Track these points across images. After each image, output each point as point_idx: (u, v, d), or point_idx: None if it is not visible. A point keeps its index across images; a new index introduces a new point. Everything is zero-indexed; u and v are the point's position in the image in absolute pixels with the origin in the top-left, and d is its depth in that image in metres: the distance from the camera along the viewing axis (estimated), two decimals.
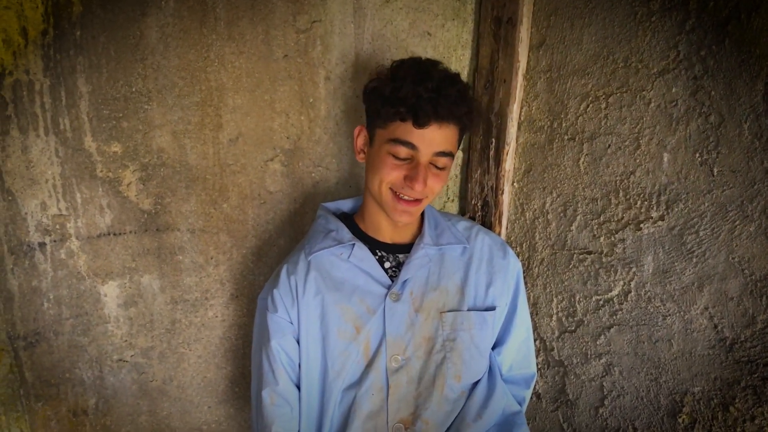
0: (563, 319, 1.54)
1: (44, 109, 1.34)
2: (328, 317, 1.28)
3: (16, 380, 1.49)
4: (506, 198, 1.61)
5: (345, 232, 1.33)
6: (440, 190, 1.27)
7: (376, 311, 1.27)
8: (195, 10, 1.38)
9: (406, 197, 1.22)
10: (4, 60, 1.27)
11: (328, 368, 1.27)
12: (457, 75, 1.22)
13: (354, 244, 1.31)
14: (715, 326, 1.21)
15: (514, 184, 1.61)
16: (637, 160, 1.30)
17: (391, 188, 1.23)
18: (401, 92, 1.16)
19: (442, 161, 1.21)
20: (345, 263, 1.31)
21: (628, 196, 1.33)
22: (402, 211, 1.24)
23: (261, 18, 1.43)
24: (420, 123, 1.15)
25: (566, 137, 1.44)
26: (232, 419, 1.77)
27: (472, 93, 1.63)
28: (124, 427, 1.65)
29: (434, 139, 1.17)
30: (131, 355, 1.59)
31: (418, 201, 1.23)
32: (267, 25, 1.44)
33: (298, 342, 1.30)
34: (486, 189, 1.62)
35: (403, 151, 1.19)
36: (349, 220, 1.42)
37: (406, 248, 1.35)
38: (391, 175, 1.21)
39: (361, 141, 1.31)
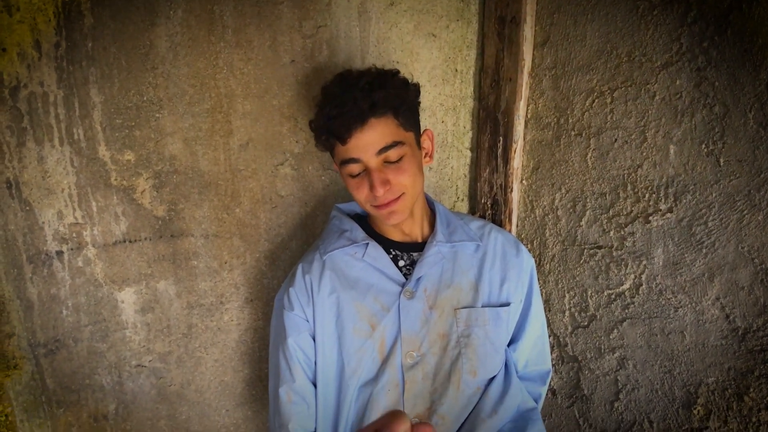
0: (576, 314, 1.54)
1: (59, 120, 1.36)
2: (343, 315, 1.30)
3: (37, 387, 1.51)
4: (515, 196, 1.62)
5: (359, 232, 1.35)
6: (412, 181, 1.24)
7: (390, 309, 1.29)
8: (203, 19, 1.40)
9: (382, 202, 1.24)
10: (19, 73, 1.30)
11: (344, 365, 1.29)
12: (363, 73, 1.24)
13: (368, 244, 1.32)
14: (727, 316, 1.21)
15: (523, 181, 1.62)
16: (644, 154, 1.30)
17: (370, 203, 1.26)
18: (317, 122, 1.24)
19: (391, 155, 1.20)
20: (359, 262, 1.33)
21: (636, 190, 1.33)
22: (388, 213, 1.25)
23: (267, 25, 1.45)
24: (343, 140, 1.18)
25: (573, 133, 1.45)
26: (249, 422, 1.79)
27: (476, 91, 1.64)
28: (144, 431, 1.67)
29: (367, 142, 1.18)
30: (149, 360, 1.61)
31: (396, 199, 1.23)
32: (274, 32, 1.46)
33: (314, 340, 1.32)
34: (495, 187, 1.63)
35: (352, 168, 1.22)
36: (362, 220, 1.44)
37: (420, 247, 1.36)
38: (360, 194, 1.24)
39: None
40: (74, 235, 1.45)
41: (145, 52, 1.39)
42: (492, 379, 1.34)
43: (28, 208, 1.39)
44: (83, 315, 1.51)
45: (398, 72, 1.27)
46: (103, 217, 1.47)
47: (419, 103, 1.34)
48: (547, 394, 1.68)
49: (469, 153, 1.71)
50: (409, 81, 1.29)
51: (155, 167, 1.47)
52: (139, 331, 1.58)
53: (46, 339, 1.49)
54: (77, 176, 1.42)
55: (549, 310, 1.62)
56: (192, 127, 1.47)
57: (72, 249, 1.46)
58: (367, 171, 1.21)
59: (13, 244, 1.40)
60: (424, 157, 1.34)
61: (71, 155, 1.40)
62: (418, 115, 1.34)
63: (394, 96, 1.20)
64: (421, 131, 1.34)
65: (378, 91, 1.17)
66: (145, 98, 1.42)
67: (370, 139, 1.18)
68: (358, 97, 1.16)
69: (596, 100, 1.38)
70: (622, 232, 1.38)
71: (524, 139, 1.58)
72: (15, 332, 1.45)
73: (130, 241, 1.50)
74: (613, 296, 1.44)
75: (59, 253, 1.45)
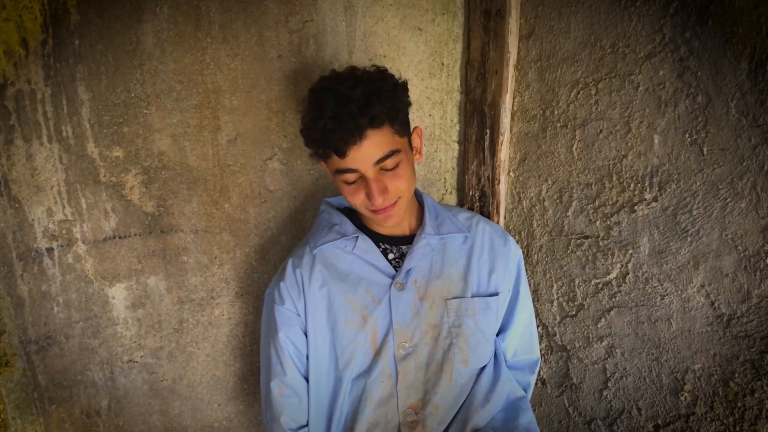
0: (564, 304, 1.56)
1: (47, 118, 1.36)
2: (335, 308, 1.31)
3: (29, 384, 1.51)
4: (503, 188, 1.63)
5: (348, 226, 1.36)
6: (408, 185, 1.24)
7: (381, 301, 1.30)
8: (189, 15, 1.40)
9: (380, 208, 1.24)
10: (5, 71, 1.30)
11: (337, 358, 1.30)
12: (355, 80, 1.18)
13: (357, 237, 1.33)
14: (712, 303, 1.23)
15: (510, 173, 1.63)
16: (629, 144, 1.31)
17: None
18: (312, 134, 1.20)
19: (389, 163, 1.19)
20: (349, 255, 1.34)
21: (621, 180, 1.35)
22: (384, 218, 1.26)
23: (254, 20, 1.45)
24: (341, 154, 1.15)
25: (559, 125, 1.46)
26: (242, 415, 1.80)
27: (463, 84, 1.65)
28: (137, 426, 1.68)
29: (365, 153, 1.16)
30: (141, 356, 1.62)
31: (393, 204, 1.24)
32: (260, 27, 1.47)
33: (306, 334, 1.33)
34: (483, 180, 1.65)
35: (348, 177, 1.21)
36: (352, 214, 1.44)
37: (409, 240, 1.38)
38: (355, 200, 1.24)
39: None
40: (64, 231, 1.45)
41: (132, 48, 1.39)
42: (483, 368, 1.36)
43: (17, 205, 1.39)
44: (74, 311, 1.51)
45: (386, 70, 1.24)
46: (92, 213, 1.47)
47: (410, 103, 1.31)
48: (536, 384, 1.69)
49: (456, 146, 1.72)
50: (397, 79, 1.25)
51: (144, 163, 1.48)
52: (131, 326, 1.58)
53: (38, 336, 1.49)
54: (66, 173, 1.42)
55: (537, 300, 1.63)
56: (180, 123, 1.47)
57: (62, 246, 1.46)
58: (363, 179, 1.21)
59: (3, 241, 1.40)
60: (414, 154, 1.33)
61: (60, 152, 1.40)
62: (408, 116, 1.32)
63: (389, 107, 1.17)
64: (411, 129, 1.33)
65: (375, 105, 1.14)
66: (132, 95, 1.42)
67: (368, 151, 1.16)
68: (354, 112, 1.13)
69: (581, 92, 1.39)
70: (608, 222, 1.39)
71: (511, 132, 1.60)
72: (6, 329, 1.45)
73: (120, 237, 1.51)
74: (600, 285, 1.45)
75: (49, 250, 1.45)
